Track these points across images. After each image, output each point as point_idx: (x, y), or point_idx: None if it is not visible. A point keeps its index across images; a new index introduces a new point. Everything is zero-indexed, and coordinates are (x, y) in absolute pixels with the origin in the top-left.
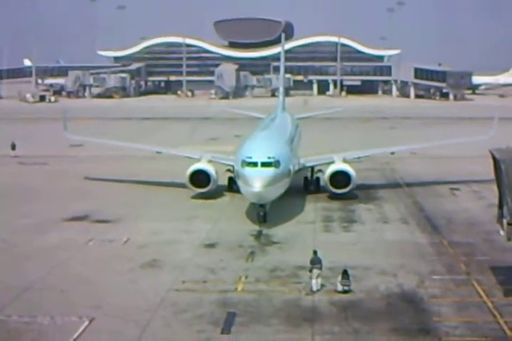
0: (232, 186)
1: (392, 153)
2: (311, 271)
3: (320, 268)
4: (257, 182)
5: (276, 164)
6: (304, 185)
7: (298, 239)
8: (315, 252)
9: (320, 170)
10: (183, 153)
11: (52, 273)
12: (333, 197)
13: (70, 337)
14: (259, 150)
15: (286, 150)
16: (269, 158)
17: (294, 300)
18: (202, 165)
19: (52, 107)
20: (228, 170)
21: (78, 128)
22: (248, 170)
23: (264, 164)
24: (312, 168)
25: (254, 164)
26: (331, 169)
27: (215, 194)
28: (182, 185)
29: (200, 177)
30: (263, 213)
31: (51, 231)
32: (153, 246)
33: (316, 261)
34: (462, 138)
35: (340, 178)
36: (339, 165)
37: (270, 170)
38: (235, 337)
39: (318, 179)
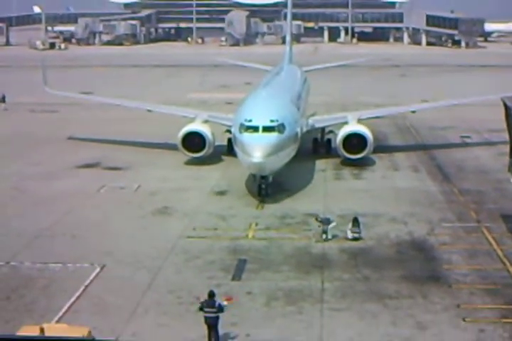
0: (232, 149)
1: (413, 112)
2: (322, 222)
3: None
4: (257, 150)
5: (280, 128)
6: (313, 148)
7: (308, 187)
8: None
9: (331, 131)
10: (176, 112)
11: (64, 220)
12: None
13: (82, 283)
14: (261, 111)
15: (292, 110)
16: (272, 121)
17: (304, 247)
18: (196, 126)
19: (62, 54)
20: (227, 131)
21: (88, 76)
22: (247, 136)
23: (266, 129)
24: (323, 128)
25: (255, 129)
26: (344, 131)
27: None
28: (175, 147)
29: (194, 140)
30: (265, 186)
31: (62, 178)
32: (164, 193)
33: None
34: (491, 95)
35: (354, 141)
36: (354, 127)
37: (273, 136)
38: (246, 283)
39: (329, 141)
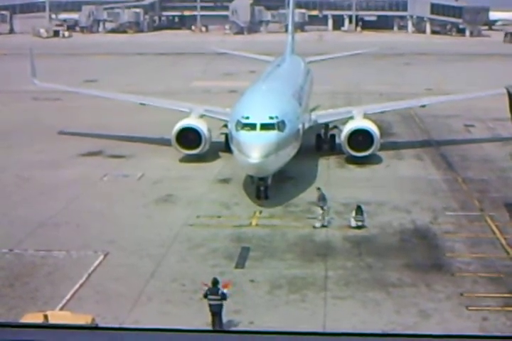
0: (230, 145)
1: (423, 106)
2: (322, 208)
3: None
4: (255, 150)
5: (280, 126)
6: (316, 144)
7: (312, 175)
8: (319, 189)
9: (335, 127)
10: (171, 106)
11: (67, 208)
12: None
13: (85, 271)
14: (259, 107)
15: (293, 105)
16: (271, 118)
17: (307, 235)
18: (191, 121)
19: (66, 42)
20: (225, 126)
21: (92, 63)
22: (244, 135)
23: (264, 126)
24: (326, 124)
25: (252, 126)
26: (349, 127)
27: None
28: (170, 143)
29: (189, 137)
30: (264, 188)
31: (65, 166)
32: (167, 182)
33: (322, 198)
34: (499, 89)
35: (360, 138)
36: (359, 122)
37: (272, 134)
38: (249, 271)
39: (333, 136)
